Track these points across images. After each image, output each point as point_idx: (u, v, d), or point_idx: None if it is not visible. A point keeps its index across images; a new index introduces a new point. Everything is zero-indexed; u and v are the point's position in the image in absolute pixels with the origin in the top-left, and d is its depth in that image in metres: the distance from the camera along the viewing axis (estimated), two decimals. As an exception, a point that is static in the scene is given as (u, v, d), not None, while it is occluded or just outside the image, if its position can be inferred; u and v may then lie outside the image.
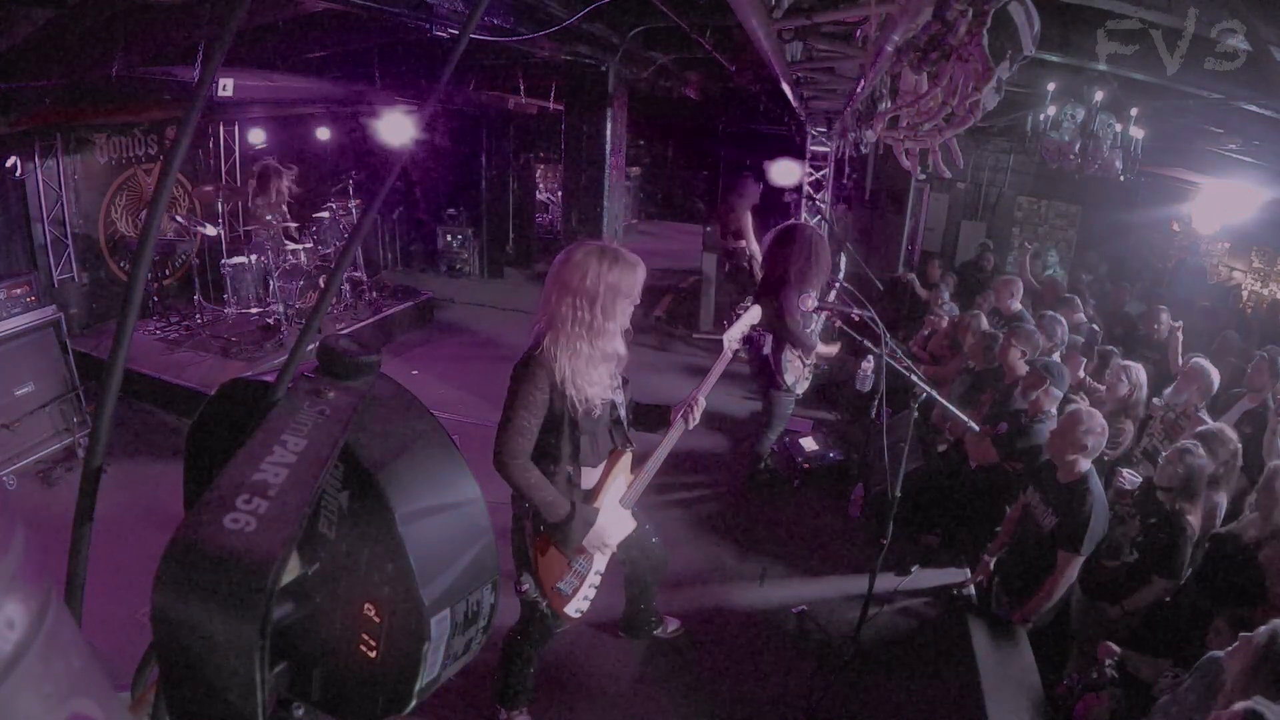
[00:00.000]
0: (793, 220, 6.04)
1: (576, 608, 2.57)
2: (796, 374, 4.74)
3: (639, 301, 2.47)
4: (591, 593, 2.60)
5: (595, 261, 2.32)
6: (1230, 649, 2.25)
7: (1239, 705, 1.94)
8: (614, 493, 2.59)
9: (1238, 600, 2.85)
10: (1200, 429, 3.48)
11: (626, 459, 2.64)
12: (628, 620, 3.55)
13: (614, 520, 2.57)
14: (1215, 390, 4.21)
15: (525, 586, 2.53)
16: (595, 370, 2.38)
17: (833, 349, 4.88)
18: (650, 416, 2.79)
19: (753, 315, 2.83)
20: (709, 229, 8.98)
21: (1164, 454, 3.30)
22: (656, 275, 10.76)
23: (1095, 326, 5.69)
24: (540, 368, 2.33)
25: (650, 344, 8.02)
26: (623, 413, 2.63)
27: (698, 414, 2.65)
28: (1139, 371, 4.33)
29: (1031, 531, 3.33)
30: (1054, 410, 3.87)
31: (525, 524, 2.52)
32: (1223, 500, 3.41)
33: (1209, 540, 3.28)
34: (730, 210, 7.04)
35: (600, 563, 2.60)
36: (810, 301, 4.32)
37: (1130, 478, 3.63)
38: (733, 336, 2.79)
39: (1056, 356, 4.45)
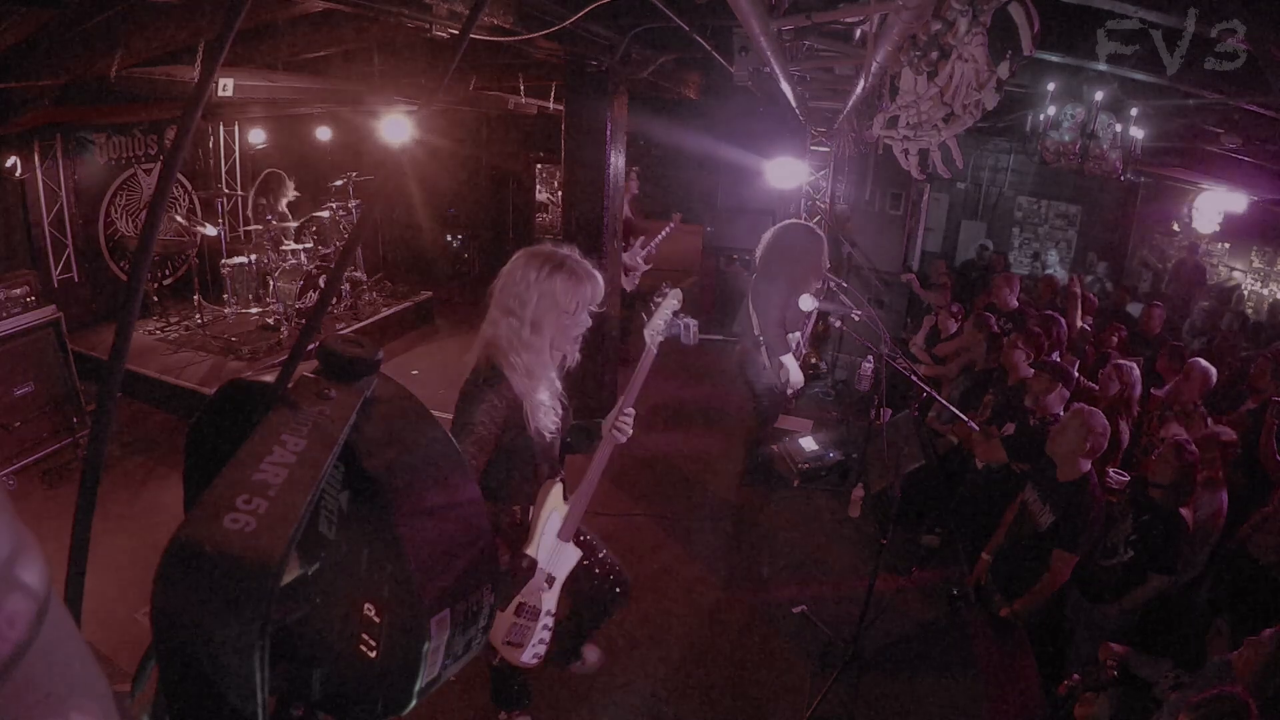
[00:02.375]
0: (790, 220, 6.04)
1: (533, 653, 2.36)
2: (790, 377, 4.76)
3: (581, 323, 2.21)
4: (546, 634, 2.38)
5: (531, 267, 2.13)
6: (1239, 651, 2.25)
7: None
8: (550, 529, 2.32)
9: (1255, 610, 2.84)
10: (1204, 430, 3.48)
11: (557, 489, 2.34)
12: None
13: (553, 558, 2.34)
14: (1213, 388, 4.21)
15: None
16: (541, 394, 2.17)
17: (799, 376, 4.72)
18: (581, 436, 2.49)
19: (672, 301, 2.45)
20: (708, 229, 8.99)
21: (1156, 450, 3.31)
22: (656, 275, 10.77)
23: (1086, 327, 5.69)
24: (491, 390, 2.11)
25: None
26: (558, 439, 2.38)
27: (628, 425, 2.33)
28: (1132, 370, 4.33)
29: (1027, 529, 3.33)
30: (1062, 412, 3.88)
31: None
32: (1222, 501, 3.41)
33: (1233, 553, 3.29)
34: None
35: (549, 602, 2.37)
36: (809, 301, 4.32)
37: (1118, 476, 3.63)
38: (654, 329, 2.43)
39: (1054, 355, 4.46)
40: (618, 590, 2.73)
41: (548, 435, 2.23)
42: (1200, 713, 1.97)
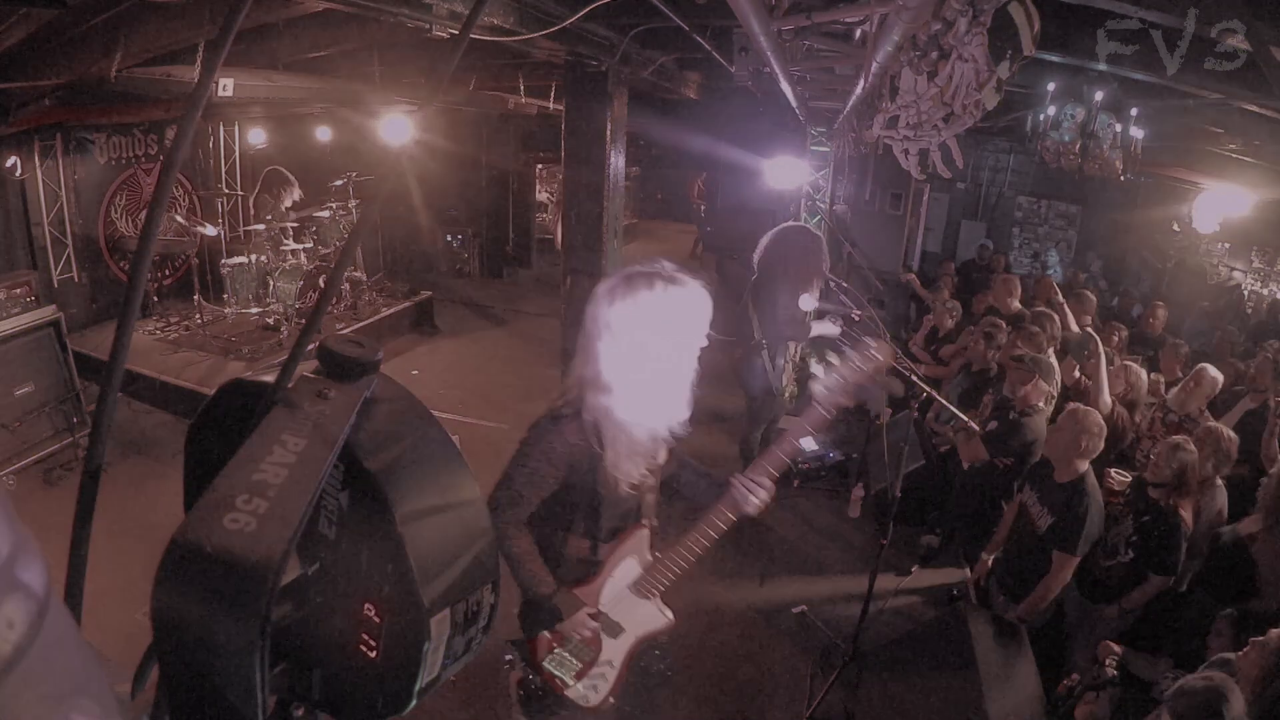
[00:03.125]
0: (789, 222, 6.05)
1: (582, 695, 2.14)
2: (788, 378, 4.76)
3: (690, 349, 1.89)
4: (602, 682, 2.15)
5: (617, 289, 1.83)
6: (1242, 652, 2.25)
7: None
8: (622, 576, 2.10)
9: (1235, 596, 2.85)
10: (1203, 428, 3.48)
11: (643, 537, 2.12)
12: None
13: (621, 608, 2.11)
14: (1216, 392, 4.22)
15: (509, 657, 2.18)
16: (629, 446, 1.90)
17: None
18: (698, 483, 2.24)
19: (878, 355, 1.94)
20: (708, 229, 8.99)
21: (1154, 450, 3.31)
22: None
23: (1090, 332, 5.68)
24: (558, 435, 1.89)
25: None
26: (653, 481, 2.14)
27: (762, 494, 2.00)
28: (1137, 371, 4.33)
29: (1027, 531, 3.33)
30: (1042, 404, 3.88)
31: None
32: (1223, 501, 3.41)
33: (1210, 540, 3.29)
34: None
35: (611, 651, 2.14)
36: (809, 302, 4.32)
37: (1119, 477, 3.63)
38: (830, 386, 1.93)
39: (1050, 353, 4.46)
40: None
41: (625, 486, 1.96)
42: (1181, 703, 1.97)
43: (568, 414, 1.90)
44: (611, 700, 2.19)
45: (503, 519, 1.91)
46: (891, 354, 2.01)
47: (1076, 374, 4.78)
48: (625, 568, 2.11)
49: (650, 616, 2.17)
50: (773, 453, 2.01)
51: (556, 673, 2.14)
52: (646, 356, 1.84)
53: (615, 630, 2.14)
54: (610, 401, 1.86)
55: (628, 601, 2.13)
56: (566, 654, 2.13)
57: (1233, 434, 3.45)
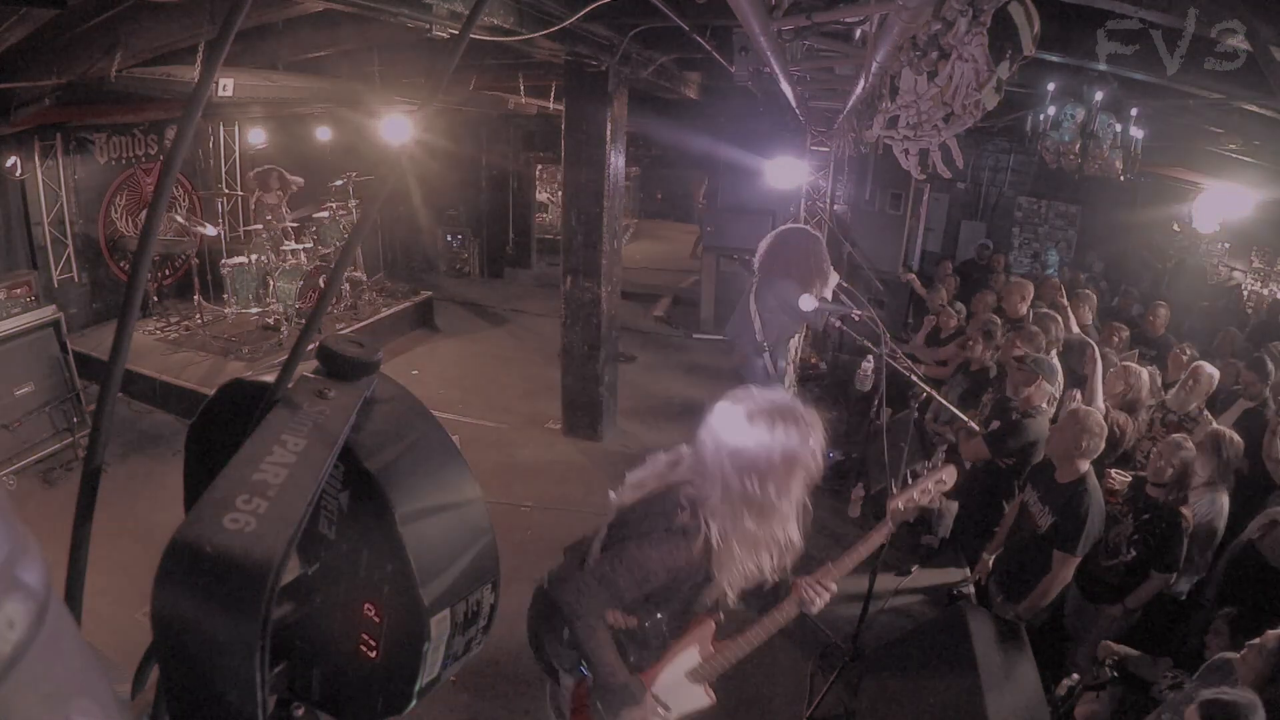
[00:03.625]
0: (790, 222, 6.05)
1: None
2: (788, 377, 4.76)
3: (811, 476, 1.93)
4: None
5: (766, 424, 1.84)
6: (1242, 654, 2.25)
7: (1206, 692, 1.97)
8: (682, 663, 2.15)
9: (1261, 609, 2.84)
10: (1206, 430, 3.48)
11: (708, 628, 2.16)
12: None
13: (673, 691, 2.14)
14: (1214, 390, 4.22)
15: None
16: (745, 571, 1.93)
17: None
18: (764, 592, 2.19)
19: (944, 480, 2.17)
20: (708, 229, 8.99)
21: (1155, 450, 3.31)
22: (655, 275, 10.79)
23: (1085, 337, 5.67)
24: (684, 550, 1.87)
25: (650, 344, 8.02)
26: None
27: (824, 598, 2.07)
28: (1137, 371, 4.33)
29: (1027, 531, 3.33)
30: (1045, 405, 3.88)
31: (561, 675, 2.18)
32: (1225, 500, 3.40)
33: (1232, 551, 3.29)
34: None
35: None
36: (809, 302, 4.32)
37: (1120, 478, 3.63)
38: (903, 507, 2.13)
39: (1053, 355, 4.46)
40: None
41: (731, 599, 2.00)
42: (1208, 710, 1.97)
43: (693, 531, 1.87)
44: None
45: (596, 608, 1.94)
46: (955, 477, 2.16)
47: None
48: (687, 656, 2.14)
49: (695, 698, 2.20)
50: (842, 560, 2.12)
51: None
52: (781, 493, 1.84)
53: (664, 708, 2.15)
54: (737, 530, 1.86)
55: (680, 686, 2.16)
56: None
57: (1237, 438, 3.44)
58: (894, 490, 3.32)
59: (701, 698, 2.20)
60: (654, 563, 1.89)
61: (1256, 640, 2.23)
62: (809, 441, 1.87)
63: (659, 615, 2.05)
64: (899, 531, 4.47)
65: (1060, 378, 4.24)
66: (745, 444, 1.83)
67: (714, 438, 1.88)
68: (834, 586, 2.10)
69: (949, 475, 2.18)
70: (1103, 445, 3.25)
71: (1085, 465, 3.17)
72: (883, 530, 2.15)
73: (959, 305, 6.24)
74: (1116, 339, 5.40)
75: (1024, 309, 5.76)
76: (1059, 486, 3.22)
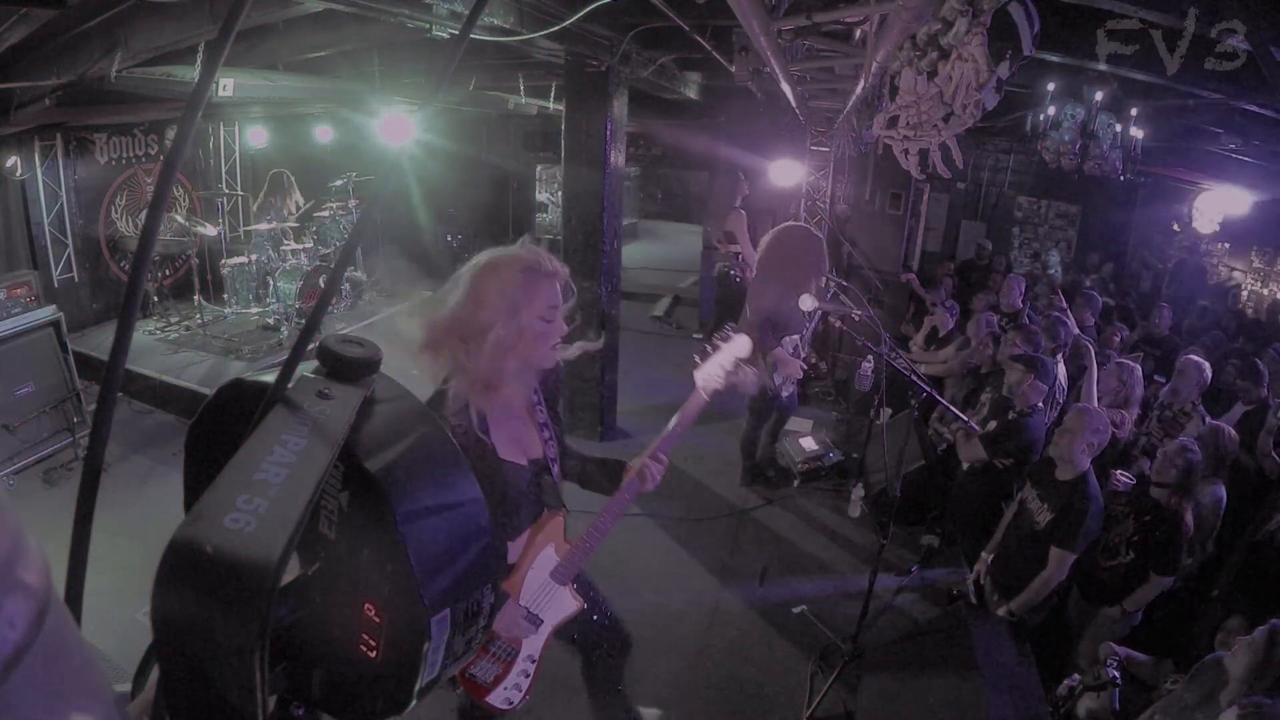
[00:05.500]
0: (790, 221, 6.05)
1: (505, 698, 2.13)
2: (783, 376, 4.76)
3: (555, 330, 1.95)
4: (524, 680, 2.16)
5: (485, 273, 1.86)
6: (1231, 652, 2.25)
7: (1244, 701, 1.95)
8: (541, 565, 2.10)
9: (1274, 607, 2.84)
10: (1207, 427, 3.48)
11: (557, 524, 2.14)
12: (595, 717, 2.86)
13: (541, 599, 2.12)
14: (1208, 384, 4.22)
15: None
16: (508, 422, 1.97)
17: (795, 368, 4.73)
18: (599, 475, 2.27)
19: (737, 348, 2.17)
20: (708, 229, 8.98)
21: (1161, 450, 3.31)
22: (656, 275, 10.78)
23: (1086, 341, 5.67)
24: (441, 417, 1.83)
25: (650, 344, 8.02)
26: (555, 468, 2.16)
27: (657, 475, 2.12)
28: (1131, 368, 4.33)
29: (1026, 528, 3.33)
30: (1040, 404, 3.87)
31: None
32: (1222, 491, 3.40)
33: (1242, 549, 3.29)
34: (720, 214, 7.05)
35: (531, 646, 2.15)
36: (809, 302, 4.32)
37: (1125, 479, 3.63)
38: (710, 375, 2.14)
39: (1057, 356, 4.45)
40: (621, 645, 2.59)
41: (526, 468, 2.00)
42: (1249, 713, 1.96)
43: (459, 427, 1.85)
44: (527, 699, 2.19)
45: None
46: (749, 344, 2.19)
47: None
48: (544, 557, 2.11)
49: (564, 604, 2.17)
50: (666, 435, 2.14)
51: (482, 678, 2.10)
52: (532, 332, 1.87)
53: (536, 623, 2.12)
54: (494, 383, 1.84)
55: (547, 591, 2.13)
56: (490, 657, 2.10)
57: (1233, 432, 3.45)
58: (895, 490, 3.32)
59: (570, 602, 2.17)
60: None
61: (1246, 637, 2.23)
62: (530, 283, 1.84)
63: (497, 518, 1.97)
64: (899, 532, 4.51)
65: (1057, 378, 4.24)
66: (449, 307, 1.83)
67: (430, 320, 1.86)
68: (665, 459, 2.14)
69: (741, 342, 2.16)
70: (1105, 443, 3.25)
71: (1085, 463, 3.17)
72: (697, 400, 2.13)
73: (950, 301, 6.24)
74: (1118, 339, 5.40)
75: (1019, 302, 5.77)
76: (1059, 484, 3.22)
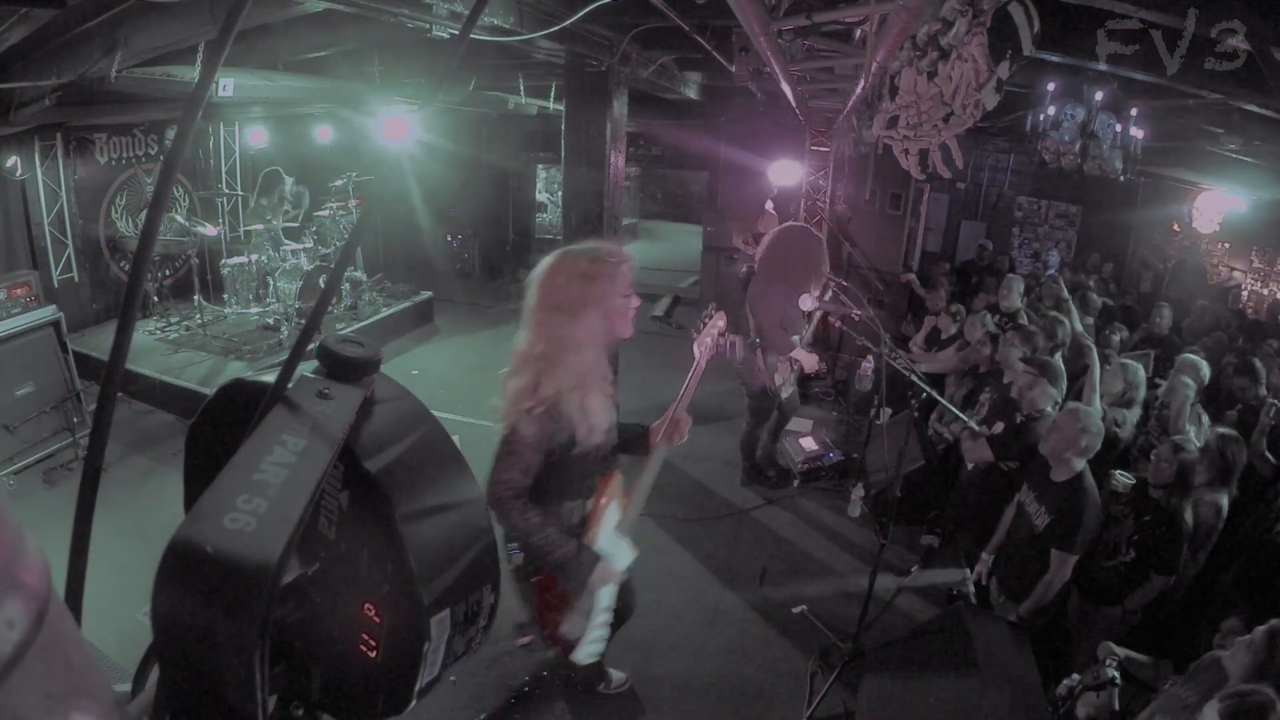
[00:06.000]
0: (790, 221, 6.05)
1: (590, 651, 2.37)
2: (784, 377, 4.76)
3: (629, 306, 2.25)
4: (604, 632, 2.40)
5: (566, 268, 2.15)
6: (1230, 652, 2.25)
7: (1226, 690, 1.96)
8: (608, 521, 2.33)
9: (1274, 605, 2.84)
10: (1215, 434, 3.46)
11: (617, 483, 2.39)
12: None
13: (615, 551, 2.33)
14: (1206, 382, 4.21)
15: (528, 638, 2.38)
16: (596, 394, 2.19)
17: (812, 360, 4.79)
18: (632, 439, 2.50)
19: (719, 322, 2.64)
20: (708, 229, 8.98)
21: (1155, 451, 3.31)
22: (656, 275, 10.78)
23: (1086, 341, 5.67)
24: (537, 418, 2.11)
25: (650, 344, 8.02)
26: (614, 433, 2.40)
27: (684, 429, 2.42)
28: (1137, 370, 4.33)
29: (1024, 530, 3.33)
30: (1050, 409, 3.87)
31: (515, 570, 2.31)
32: (1225, 503, 3.38)
33: (1244, 548, 3.28)
34: (746, 215, 7.04)
35: (607, 598, 2.38)
36: (809, 302, 4.32)
37: (1124, 479, 3.62)
38: (703, 345, 2.58)
39: (1057, 357, 4.45)
40: (625, 608, 2.76)
41: (600, 436, 2.22)
42: (1231, 704, 1.96)
43: (535, 409, 2.10)
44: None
45: (512, 506, 2.10)
46: (725, 322, 2.65)
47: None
48: (610, 513, 2.33)
49: (626, 555, 2.37)
50: (684, 393, 2.44)
51: (573, 634, 2.33)
52: (612, 313, 2.22)
53: (617, 572, 2.33)
54: (582, 364, 2.15)
55: (614, 544, 2.33)
56: (579, 614, 2.31)
57: (1242, 440, 3.42)
58: (895, 490, 3.33)
59: (628, 552, 2.38)
60: (522, 447, 2.09)
61: (1245, 637, 2.23)
62: (610, 274, 2.17)
63: (565, 491, 2.26)
64: (899, 532, 4.50)
65: (1064, 381, 4.24)
66: (539, 296, 2.14)
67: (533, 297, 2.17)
68: (687, 417, 2.44)
69: (720, 319, 2.65)
70: (1099, 444, 3.25)
71: (1080, 464, 3.17)
72: (698, 369, 2.52)
73: (956, 306, 6.23)
74: (1118, 339, 5.39)
75: (1017, 301, 5.77)
76: (1055, 486, 3.22)
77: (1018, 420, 3.91)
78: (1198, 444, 3.52)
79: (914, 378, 3.72)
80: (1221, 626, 2.69)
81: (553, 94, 7.71)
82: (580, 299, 2.11)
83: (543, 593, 2.32)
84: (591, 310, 2.12)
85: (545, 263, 2.19)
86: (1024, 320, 5.33)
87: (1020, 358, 4.30)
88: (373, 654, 0.71)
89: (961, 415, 4.02)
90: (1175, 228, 8.90)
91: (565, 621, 2.30)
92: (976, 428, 4.05)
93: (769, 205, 7.10)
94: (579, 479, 2.27)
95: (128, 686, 0.71)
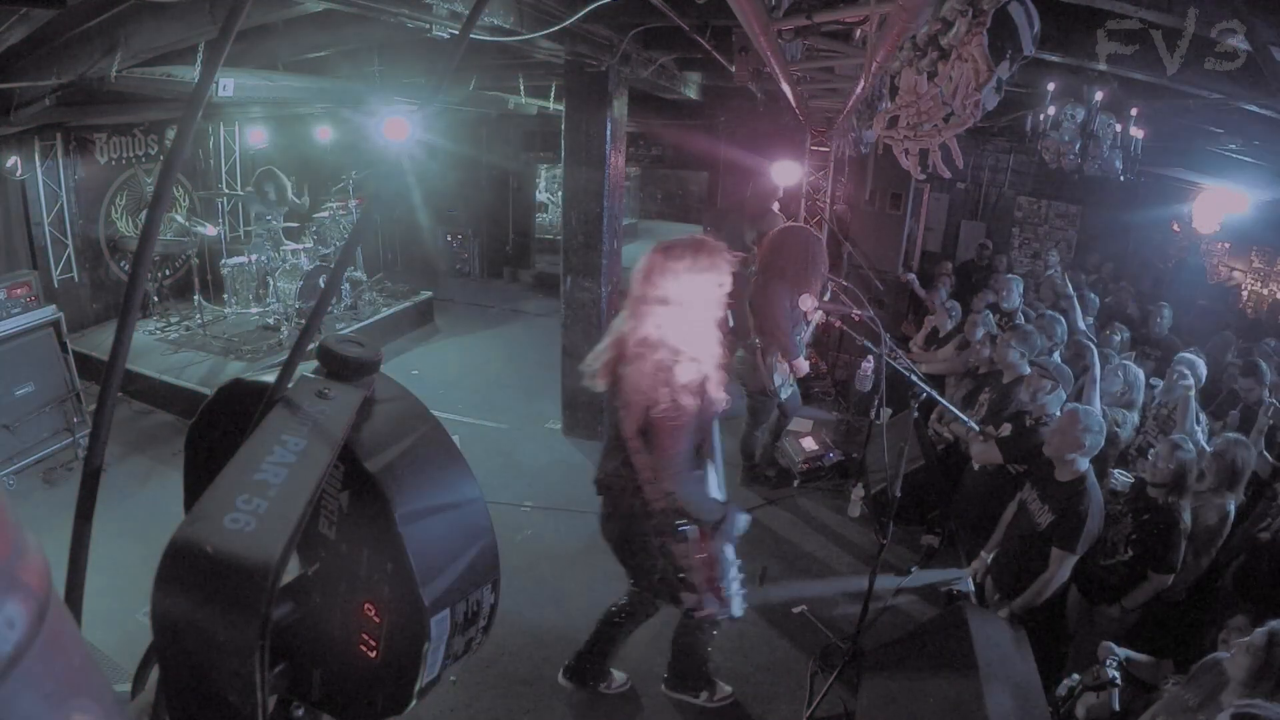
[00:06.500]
0: (790, 221, 6.05)
1: (740, 605, 2.62)
2: (784, 377, 4.75)
3: (723, 292, 2.47)
4: (740, 585, 2.63)
5: (673, 260, 2.37)
6: (1231, 654, 2.25)
7: (1237, 703, 1.95)
8: (712, 481, 2.60)
9: (1274, 603, 2.83)
10: (1221, 441, 3.45)
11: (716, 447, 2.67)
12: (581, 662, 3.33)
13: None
14: (1204, 381, 4.21)
15: (706, 611, 2.55)
16: (716, 369, 2.43)
17: (803, 365, 4.82)
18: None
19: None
20: (707, 229, 8.97)
21: (1153, 450, 3.30)
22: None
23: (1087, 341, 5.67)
24: (693, 397, 2.36)
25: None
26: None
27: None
28: (1134, 370, 4.33)
29: (1026, 529, 3.33)
30: (1058, 412, 3.87)
31: (669, 543, 2.49)
32: (1231, 509, 3.36)
33: (1243, 547, 3.27)
34: (759, 214, 7.03)
35: (731, 553, 2.61)
36: (809, 302, 4.32)
37: (1123, 478, 3.62)
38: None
39: (1056, 356, 4.45)
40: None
41: (721, 405, 2.46)
42: (1241, 713, 1.95)
43: (690, 393, 2.35)
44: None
45: (684, 477, 2.37)
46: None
47: None
48: (712, 474, 2.61)
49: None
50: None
51: (730, 590, 2.56)
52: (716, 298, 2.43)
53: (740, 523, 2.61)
54: (700, 344, 2.38)
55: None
56: (728, 571, 2.56)
57: (1251, 447, 3.41)
58: (895, 490, 3.33)
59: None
60: (683, 423, 2.31)
61: (1245, 639, 2.23)
62: (712, 263, 2.39)
63: (695, 459, 2.50)
64: (899, 532, 4.49)
65: (1072, 383, 4.24)
66: (652, 288, 2.35)
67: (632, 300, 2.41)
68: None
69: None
70: (1102, 443, 3.25)
71: (1084, 464, 3.17)
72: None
73: (952, 303, 6.24)
74: (1119, 340, 5.39)
75: (1016, 299, 5.77)
76: (1058, 485, 3.22)
77: (1028, 423, 3.91)
78: (1207, 447, 3.52)
79: (914, 378, 3.72)
80: (1227, 625, 2.69)
81: (553, 94, 7.70)
82: (692, 288, 2.33)
83: (704, 560, 2.51)
84: (703, 297, 2.35)
85: (652, 257, 2.39)
86: (1021, 320, 5.33)
87: (1022, 359, 4.31)
88: (373, 654, 0.71)
89: (962, 415, 4.02)
90: (1175, 228, 8.89)
91: (721, 580, 2.52)
92: (977, 428, 4.04)
93: (775, 206, 7.10)
94: (701, 446, 2.52)
95: (128, 686, 0.71)
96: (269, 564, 0.55)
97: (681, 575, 2.53)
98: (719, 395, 2.43)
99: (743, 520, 2.58)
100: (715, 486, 2.62)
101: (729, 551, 2.57)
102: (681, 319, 2.33)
